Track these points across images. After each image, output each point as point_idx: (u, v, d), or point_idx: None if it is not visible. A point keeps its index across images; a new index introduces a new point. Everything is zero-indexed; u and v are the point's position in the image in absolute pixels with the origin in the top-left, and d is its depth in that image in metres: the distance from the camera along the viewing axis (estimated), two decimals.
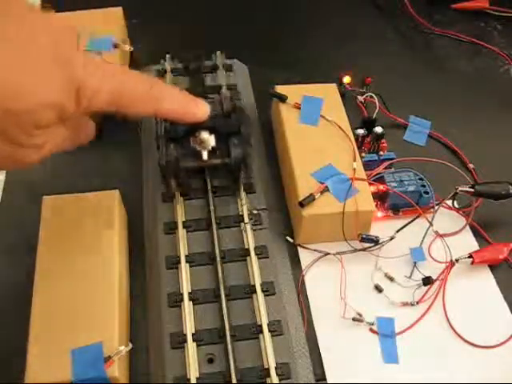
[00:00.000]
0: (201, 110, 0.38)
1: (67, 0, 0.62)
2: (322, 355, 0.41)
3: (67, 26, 0.32)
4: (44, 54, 0.29)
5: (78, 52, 0.31)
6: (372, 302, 0.44)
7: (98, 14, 0.58)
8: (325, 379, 0.40)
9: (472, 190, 0.47)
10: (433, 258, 0.46)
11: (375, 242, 0.45)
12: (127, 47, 0.56)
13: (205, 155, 0.43)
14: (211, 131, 0.42)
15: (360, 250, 0.46)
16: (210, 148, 0.43)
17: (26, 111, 0.28)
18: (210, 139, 0.42)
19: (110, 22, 0.57)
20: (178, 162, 0.43)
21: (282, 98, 0.51)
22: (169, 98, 0.36)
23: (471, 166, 0.53)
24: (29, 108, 0.28)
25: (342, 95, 0.54)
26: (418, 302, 0.44)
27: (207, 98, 0.45)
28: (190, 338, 0.39)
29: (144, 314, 0.42)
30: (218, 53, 0.58)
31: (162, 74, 0.56)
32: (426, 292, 0.44)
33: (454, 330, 0.42)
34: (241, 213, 0.45)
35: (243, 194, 0.46)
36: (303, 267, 0.46)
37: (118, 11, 0.59)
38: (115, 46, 0.54)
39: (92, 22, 0.57)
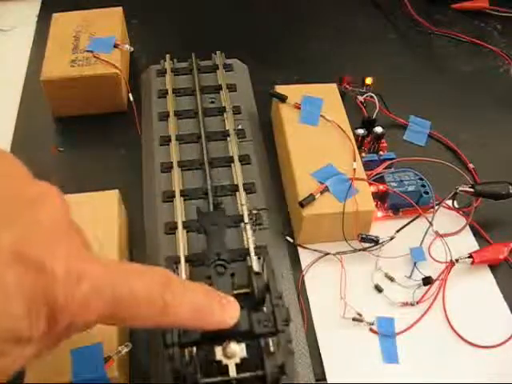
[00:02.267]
0: (228, 314, 0.28)
1: (68, 0, 0.63)
2: (322, 355, 0.41)
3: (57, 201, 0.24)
4: (5, 259, 0.20)
5: (60, 249, 0.22)
6: (372, 301, 0.44)
7: (98, 13, 0.58)
8: (325, 379, 0.40)
9: (472, 190, 0.47)
10: (433, 258, 0.46)
11: (375, 242, 0.45)
12: (127, 47, 0.56)
13: (232, 370, 0.32)
14: (240, 336, 0.32)
15: (360, 250, 0.46)
16: (238, 360, 0.32)
17: None
18: (239, 350, 0.32)
19: (110, 22, 0.57)
20: (196, 378, 0.32)
21: (282, 98, 0.51)
22: (186, 303, 0.26)
23: (471, 165, 0.53)
24: None
25: (342, 95, 0.54)
26: (418, 302, 0.44)
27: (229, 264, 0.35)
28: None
29: None
30: (218, 53, 0.58)
31: (162, 73, 0.56)
32: (426, 292, 0.44)
33: (454, 330, 0.42)
34: (241, 213, 0.45)
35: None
36: (303, 267, 0.46)
37: (118, 11, 0.59)
38: (115, 46, 0.55)
39: (92, 22, 0.57)
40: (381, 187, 0.48)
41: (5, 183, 0.23)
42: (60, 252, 0.22)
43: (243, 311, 0.31)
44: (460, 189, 0.47)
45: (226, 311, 0.28)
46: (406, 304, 0.44)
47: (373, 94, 0.55)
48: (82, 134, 0.54)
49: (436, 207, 0.47)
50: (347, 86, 0.57)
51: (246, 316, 0.32)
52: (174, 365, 0.32)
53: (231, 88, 0.55)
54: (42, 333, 0.21)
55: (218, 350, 0.32)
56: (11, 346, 0.21)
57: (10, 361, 0.22)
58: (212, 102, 0.54)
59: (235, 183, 0.47)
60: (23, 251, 0.20)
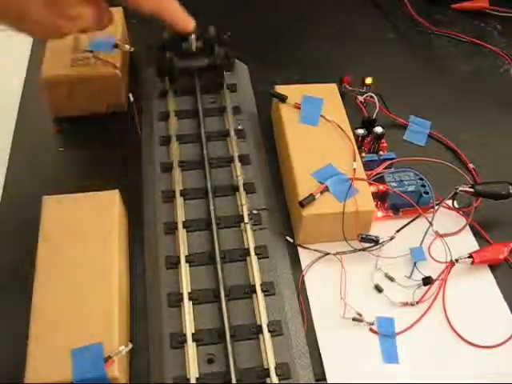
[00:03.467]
0: (190, 21, 0.47)
1: None
2: (322, 355, 0.41)
3: None
4: None
5: None
6: (372, 301, 0.44)
7: None
8: (325, 379, 0.40)
9: (472, 190, 0.47)
10: (433, 258, 0.46)
11: (375, 242, 0.45)
12: (127, 47, 0.56)
13: (193, 42, 0.51)
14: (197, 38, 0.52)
15: (360, 250, 0.46)
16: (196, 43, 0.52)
17: None
18: (195, 41, 0.51)
19: None
20: (172, 61, 0.51)
21: (282, 98, 0.51)
22: (172, 2, 0.45)
23: (471, 165, 0.53)
24: None
25: (342, 95, 0.54)
26: (417, 302, 0.44)
27: None
28: (189, 338, 0.39)
29: (144, 314, 0.42)
30: None
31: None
32: (426, 292, 0.44)
33: (454, 330, 0.42)
34: (241, 213, 0.45)
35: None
36: (303, 267, 0.46)
37: (118, 11, 0.59)
38: (115, 45, 0.55)
39: None
40: (381, 187, 0.48)
41: None
42: None
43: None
44: (460, 189, 0.47)
45: (189, 19, 0.46)
46: (406, 304, 0.44)
47: (373, 94, 0.55)
48: (82, 134, 0.54)
49: (436, 207, 0.47)
50: (347, 86, 0.57)
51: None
52: (159, 56, 0.51)
53: (231, 88, 0.55)
54: None
55: (184, 43, 0.51)
56: None
57: (83, 12, 0.40)
58: (212, 102, 0.54)
59: (235, 183, 0.47)
60: None
